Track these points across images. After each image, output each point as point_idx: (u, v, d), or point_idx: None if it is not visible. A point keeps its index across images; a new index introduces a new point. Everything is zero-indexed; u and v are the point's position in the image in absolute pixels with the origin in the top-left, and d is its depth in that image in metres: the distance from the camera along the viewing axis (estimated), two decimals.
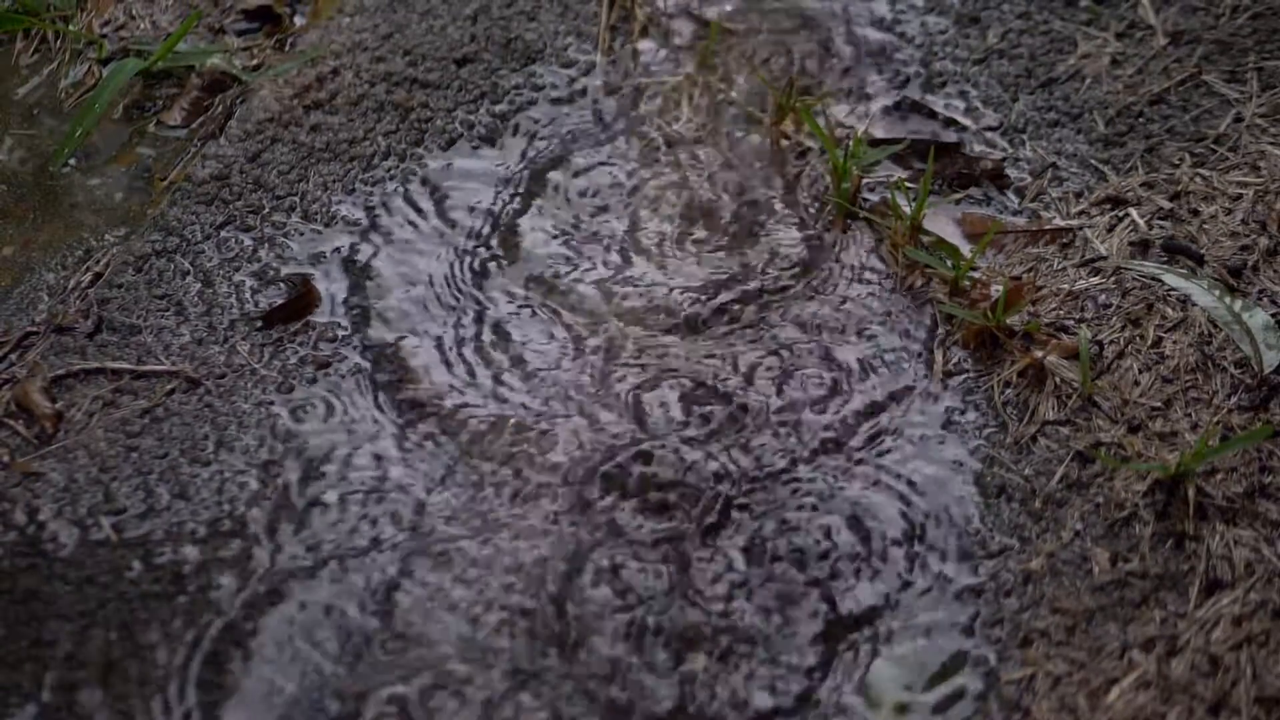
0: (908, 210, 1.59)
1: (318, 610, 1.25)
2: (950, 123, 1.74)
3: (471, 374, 1.46)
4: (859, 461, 1.38)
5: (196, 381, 1.45)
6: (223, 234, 1.61)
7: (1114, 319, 1.47)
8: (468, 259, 1.59)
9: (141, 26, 1.94)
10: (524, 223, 1.64)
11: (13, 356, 1.48)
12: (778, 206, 1.66)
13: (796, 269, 1.58)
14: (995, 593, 1.26)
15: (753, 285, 1.56)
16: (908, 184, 1.66)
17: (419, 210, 1.65)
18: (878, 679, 1.21)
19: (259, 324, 1.51)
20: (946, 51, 1.85)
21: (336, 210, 1.64)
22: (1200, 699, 1.16)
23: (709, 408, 1.43)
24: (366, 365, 1.47)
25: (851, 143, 1.63)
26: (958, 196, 1.65)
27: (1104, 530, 1.29)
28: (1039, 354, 1.43)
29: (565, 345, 1.49)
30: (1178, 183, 1.62)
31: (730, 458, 1.38)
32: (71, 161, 1.75)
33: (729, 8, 1.94)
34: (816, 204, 1.66)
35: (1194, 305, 1.47)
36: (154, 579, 1.27)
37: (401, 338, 1.50)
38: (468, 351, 1.49)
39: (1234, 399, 1.38)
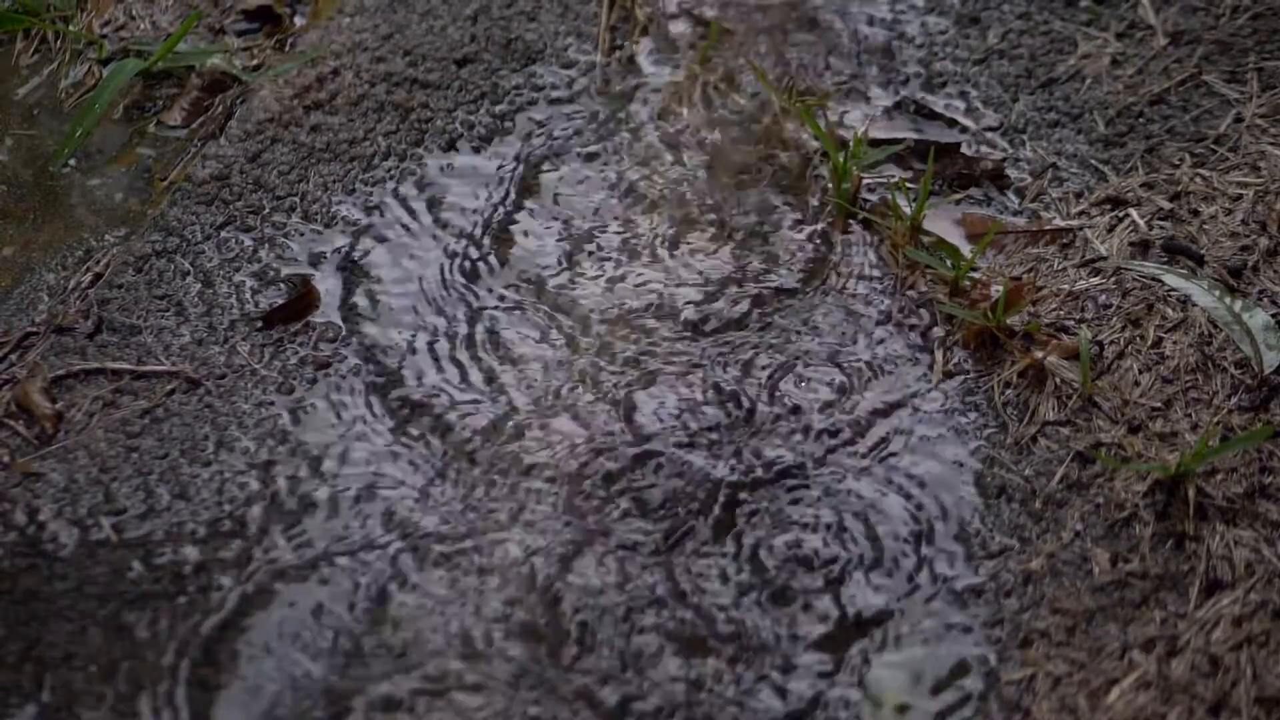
0: (908, 210, 1.59)
1: (314, 609, 1.25)
2: (950, 123, 1.75)
3: (467, 375, 1.46)
4: (859, 462, 1.38)
5: (197, 382, 1.45)
6: (223, 234, 1.61)
7: (1114, 319, 1.47)
8: (466, 259, 1.59)
9: (141, 27, 1.94)
10: (523, 224, 1.64)
11: (13, 357, 1.48)
12: (777, 207, 1.66)
13: (795, 270, 1.58)
14: (995, 593, 1.26)
15: (751, 286, 1.56)
16: (908, 184, 1.66)
17: (419, 211, 1.65)
18: (878, 680, 1.21)
19: (259, 324, 1.51)
20: (947, 52, 1.85)
21: (337, 210, 1.64)
22: (1200, 699, 1.16)
23: (706, 409, 1.43)
24: (365, 365, 1.47)
25: (852, 143, 1.63)
26: (958, 197, 1.65)
27: (1104, 531, 1.29)
28: (1039, 354, 1.43)
29: (566, 346, 1.49)
30: (1178, 183, 1.62)
31: (728, 459, 1.38)
32: (72, 162, 1.75)
33: (729, 8, 1.94)
34: (816, 204, 1.66)
35: (1194, 306, 1.47)
36: (154, 579, 1.27)
37: (400, 338, 1.50)
38: (472, 351, 1.49)
39: (1234, 399, 1.38)
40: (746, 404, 1.43)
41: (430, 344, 1.49)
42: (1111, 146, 1.70)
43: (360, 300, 1.54)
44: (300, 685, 1.19)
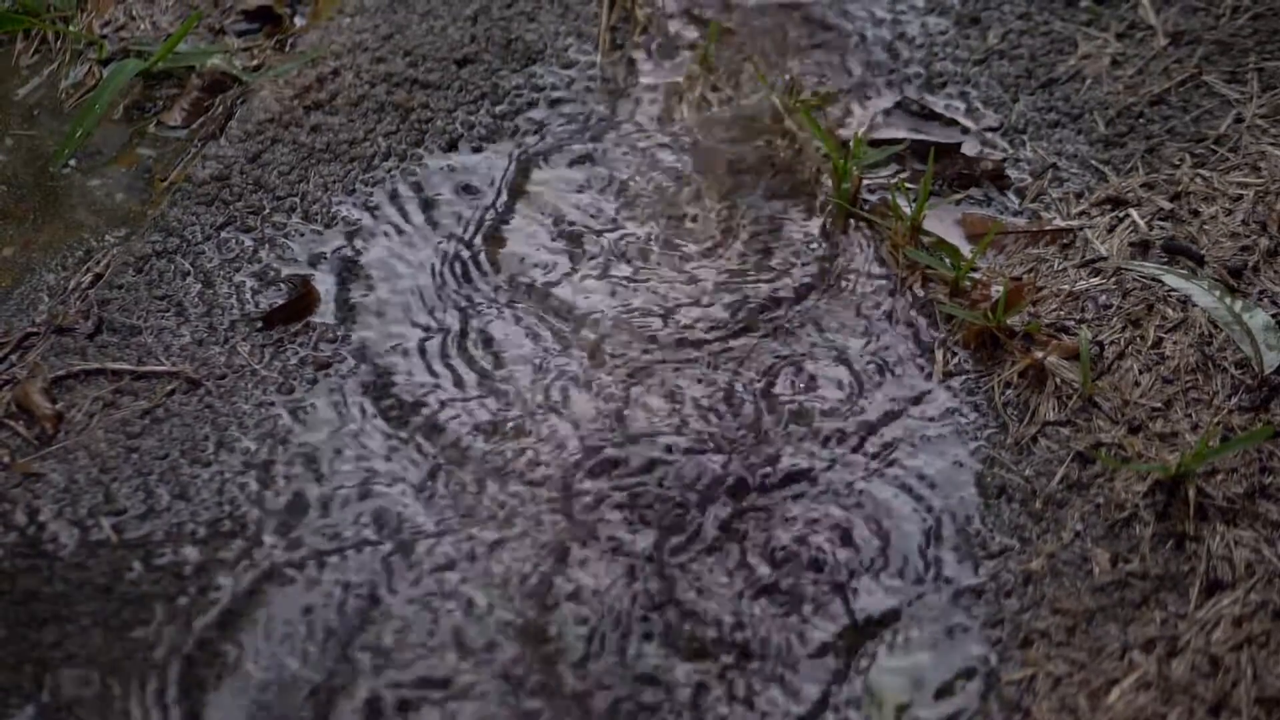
0: (908, 211, 1.59)
1: (311, 608, 1.25)
2: (951, 123, 1.75)
3: (466, 377, 1.46)
4: (860, 462, 1.38)
5: (197, 382, 1.45)
6: (223, 235, 1.61)
7: (1114, 320, 1.47)
8: (465, 260, 1.59)
9: (142, 27, 1.94)
10: (522, 225, 1.64)
11: (13, 357, 1.48)
12: (777, 208, 1.66)
13: (793, 270, 1.58)
14: (996, 593, 1.26)
15: (750, 286, 1.56)
16: (908, 185, 1.66)
17: (420, 211, 1.65)
18: (878, 681, 1.21)
19: (259, 325, 1.51)
20: (947, 52, 1.85)
21: (337, 211, 1.64)
22: (1201, 700, 1.16)
23: (702, 410, 1.43)
24: (364, 366, 1.47)
25: (852, 143, 1.63)
26: (958, 197, 1.65)
27: (1104, 531, 1.29)
28: (1039, 354, 1.43)
29: (565, 347, 1.49)
30: (1178, 183, 1.62)
31: (727, 459, 1.38)
32: (72, 162, 1.75)
33: (729, 9, 1.94)
34: (816, 205, 1.66)
35: (1194, 306, 1.46)
36: (154, 580, 1.27)
37: (399, 338, 1.50)
38: (472, 351, 1.49)
39: (1234, 400, 1.38)
40: (743, 404, 1.43)
41: (427, 344, 1.49)
42: (1112, 147, 1.70)
43: (360, 300, 1.54)
44: (292, 684, 1.19)
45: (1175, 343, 1.43)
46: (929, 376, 1.46)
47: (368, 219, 1.63)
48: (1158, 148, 1.68)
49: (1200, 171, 1.63)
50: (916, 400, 1.43)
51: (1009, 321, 1.46)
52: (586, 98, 1.81)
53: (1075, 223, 1.60)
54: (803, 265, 1.59)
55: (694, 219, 1.65)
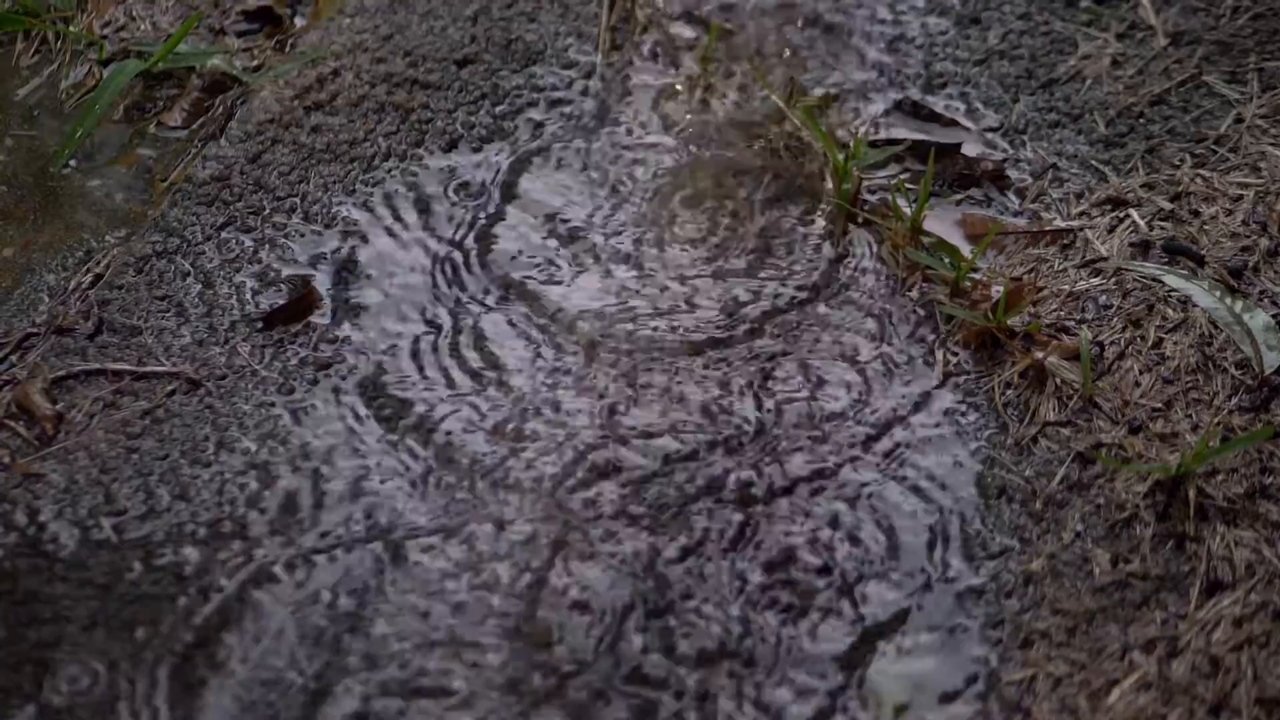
0: (908, 211, 1.59)
1: (312, 608, 1.25)
2: (951, 124, 1.74)
3: (466, 377, 1.46)
4: (861, 462, 1.38)
5: (197, 383, 1.45)
6: (223, 235, 1.61)
7: (1115, 320, 1.47)
8: (463, 260, 1.59)
9: (142, 28, 1.94)
10: (523, 224, 1.64)
11: (13, 358, 1.48)
12: (777, 208, 1.66)
13: (793, 270, 1.58)
14: (996, 593, 1.26)
15: (750, 287, 1.56)
16: (908, 185, 1.66)
17: (420, 211, 1.65)
18: (878, 681, 1.21)
19: (260, 325, 1.51)
20: (947, 52, 1.85)
21: (337, 211, 1.64)
22: (1201, 700, 1.16)
23: (700, 410, 1.43)
24: (364, 366, 1.47)
25: (852, 144, 1.63)
26: (958, 197, 1.65)
27: (1105, 531, 1.29)
28: (1040, 355, 1.43)
29: (566, 347, 1.49)
30: (1178, 184, 1.62)
31: (724, 460, 1.38)
32: (72, 163, 1.75)
33: (729, 9, 1.94)
34: (816, 206, 1.66)
35: (1195, 306, 1.47)
36: (154, 580, 1.27)
37: (400, 338, 1.50)
38: (472, 351, 1.49)
39: (1235, 400, 1.38)
40: (741, 404, 1.43)
41: (429, 344, 1.49)
42: (1112, 147, 1.70)
43: (360, 301, 1.54)
44: (292, 684, 1.19)
45: (1175, 343, 1.43)
46: (929, 377, 1.45)
47: (368, 219, 1.64)
48: (1158, 148, 1.68)
49: (1200, 172, 1.63)
50: (917, 401, 1.43)
51: (1009, 322, 1.46)
52: (587, 98, 1.81)
53: (1075, 223, 1.60)
54: (801, 265, 1.58)
55: (694, 220, 1.65)
